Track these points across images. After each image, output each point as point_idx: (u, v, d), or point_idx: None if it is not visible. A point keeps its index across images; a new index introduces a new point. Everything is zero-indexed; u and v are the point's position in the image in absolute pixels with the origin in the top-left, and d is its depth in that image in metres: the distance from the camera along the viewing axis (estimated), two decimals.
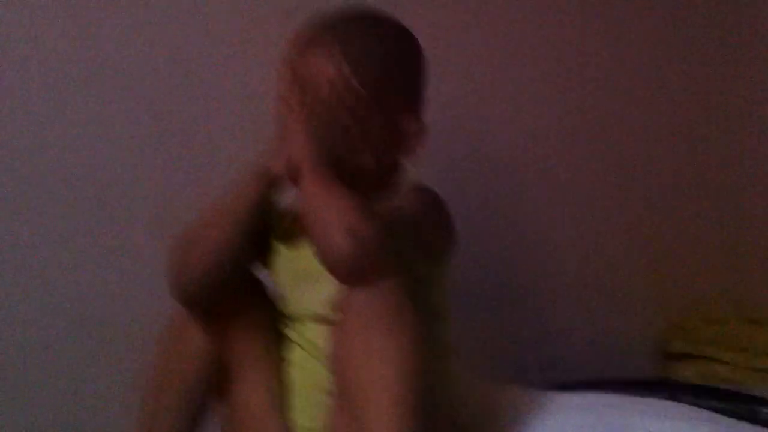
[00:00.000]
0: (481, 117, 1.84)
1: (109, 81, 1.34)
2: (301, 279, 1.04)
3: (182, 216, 1.04)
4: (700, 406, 1.22)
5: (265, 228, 1.10)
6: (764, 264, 2.47)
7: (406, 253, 0.94)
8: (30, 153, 1.28)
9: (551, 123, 1.96)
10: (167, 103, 1.38)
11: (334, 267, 0.88)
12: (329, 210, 0.90)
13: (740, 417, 1.18)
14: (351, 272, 0.87)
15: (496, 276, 1.84)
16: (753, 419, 1.20)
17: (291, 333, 1.06)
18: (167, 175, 1.37)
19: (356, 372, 0.85)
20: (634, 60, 2.13)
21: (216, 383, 1.04)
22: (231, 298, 1.03)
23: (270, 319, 1.07)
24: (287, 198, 1.13)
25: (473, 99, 1.82)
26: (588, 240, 2.03)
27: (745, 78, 2.37)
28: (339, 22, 1.05)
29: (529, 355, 1.85)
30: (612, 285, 2.08)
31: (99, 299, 1.32)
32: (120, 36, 1.35)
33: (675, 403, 1.22)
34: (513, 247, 1.89)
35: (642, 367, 2.10)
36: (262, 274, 1.10)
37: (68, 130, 1.31)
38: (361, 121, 1.01)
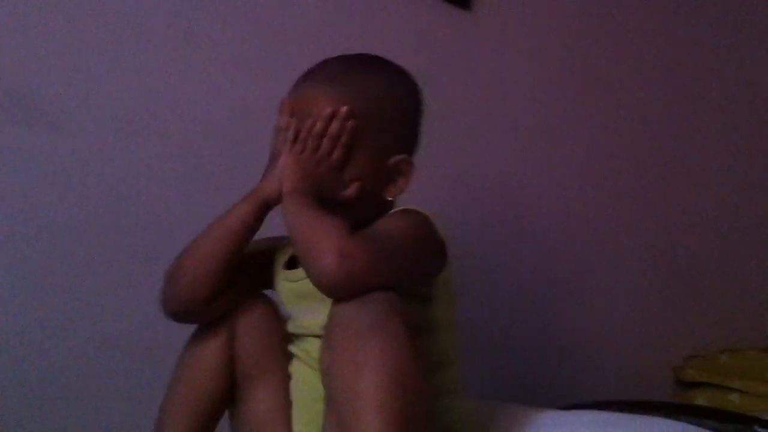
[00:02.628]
0: (508, 171, 1.89)
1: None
2: (303, 300, 1.07)
3: None
4: (699, 426, 1.24)
5: (270, 253, 1.15)
6: None
7: (395, 268, 0.94)
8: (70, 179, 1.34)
9: (576, 164, 2.02)
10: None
11: (323, 286, 0.90)
12: (314, 230, 0.92)
13: None
14: (339, 290, 0.89)
15: (521, 301, 1.87)
16: None
17: (294, 348, 1.10)
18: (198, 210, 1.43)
19: (342, 382, 0.85)
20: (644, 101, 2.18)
21: (229, 395, 1.09)
22: (245, 316, 1.09)
23: (280, 336, 1.11)
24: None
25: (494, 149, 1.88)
26: (610, 268, 2.07)
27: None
28: (339, 59, 1.09)
29: (546, 377, 1.89)
30: (632, 313, 2.11)
31: (126, 320, 1.37)
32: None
33: (673, 422, 1.23)
34: (538, 271, 1.92)
35: (658, 394, 2.13)
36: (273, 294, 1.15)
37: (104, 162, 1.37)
38: (351, 155, 1.03)
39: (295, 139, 1.04)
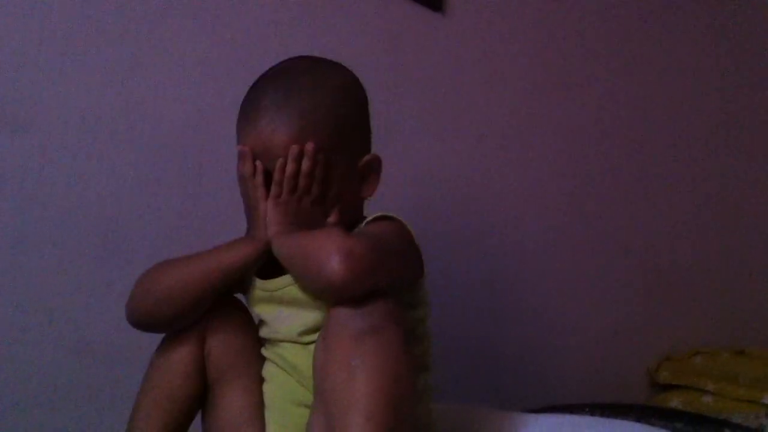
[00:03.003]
0: (488, 185, 1.90)
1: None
2: (281, 307, 1.07)
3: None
4: (668, 428, 1.25)
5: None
6: (758, 299, 2.50)
7: (392, 267, 0.95)
8: (47, 185, 1.32)
9: (548, 167, 2.02)
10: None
11: (333, 287, 0.88)
12: (312, 242, 0.93)
13: None
14: (348, 288, 0.88)
15: (493, 304, 1.88)
16: None
17: (267, 352, 1.09)
18: (169, 214, 1.43)
19: (334, 384, 0.85)
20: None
21: (201, 398, 1.08)
22: (215, 318, 1.08)
23: (252, 339, 1.11)
24: None
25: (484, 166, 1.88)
26: (584, 271, 2.08)
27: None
28: (279, 81, 1.06)
29: (519, 380, 1.89)
30: (606, 315, 2.12)
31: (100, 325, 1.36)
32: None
33: (642, 425, 1.24)
34: (510, 273, 1.93)
35: (633, 396, 2.13)
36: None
37: (82, 168, 1.36)
38: (323, 178, 1.03)
39: (267, 183, 1.03)
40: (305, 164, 1.00)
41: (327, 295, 0.91)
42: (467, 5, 1.86)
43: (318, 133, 1.01)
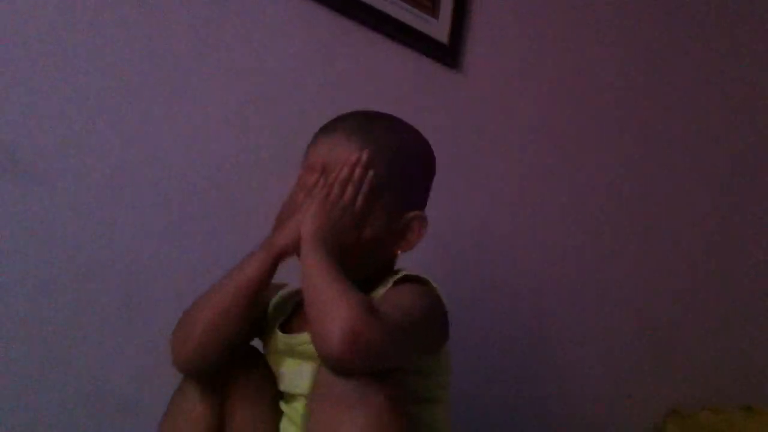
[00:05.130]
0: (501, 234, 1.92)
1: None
2: (297, 360, 1.07)
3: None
4: None
5: (265, 309, 1.15)
6: (764, 356, 2.50)
7: (407, 350, 0.92)
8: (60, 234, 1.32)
9: (558, 223, 2.04)
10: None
11: (326, 359, 0.86)
12: (331, 294, 0.88)
13: None
14: (344, 368, 0.85)
15: (500, 357, 1.87)
16: None
17: (285, 407, 1.09)
18: (192, 266, 1.43)
19: None
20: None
21: None
22: (235, 369, 1.07)
23: (269, 393, 1.09)
24: (290, 285, 1.18)
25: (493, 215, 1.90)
26: (590, 324, 2.08)
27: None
28: (356, 114, 1.11)
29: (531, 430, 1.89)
30: (616, 368, 2.12)
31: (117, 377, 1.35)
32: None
33: None
34: (516, 325, 1.93)
35: None
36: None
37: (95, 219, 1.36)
38: (369, 203, 1.04)
39: (315, 186, 1.04)
40: (357, 172, 1.03)
41: (323, 362, 0.87)
42: (483, 64, 1.89)
43: (378, 162, 1.05)
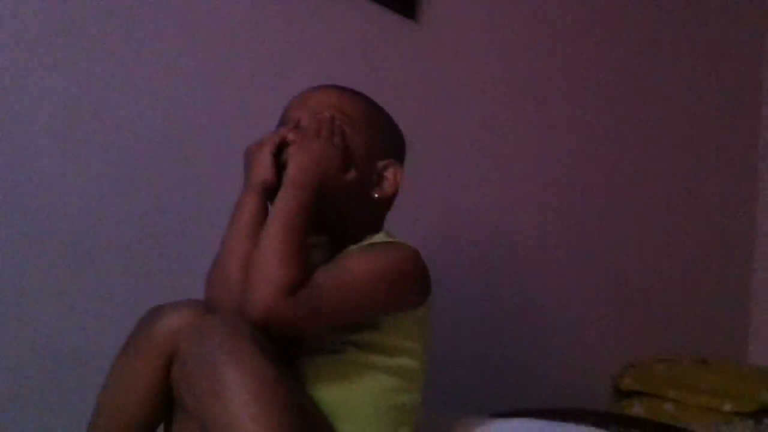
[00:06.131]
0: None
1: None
2: None
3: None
4: None
5: None
6: (722, 309, 2.55)
7: (329, 319, 1.01)
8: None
9: (518, 185, 2.04)
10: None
11: (251, 318, 0.95)
12: (269, 261, 0.98)
13: None
14: (260, 321, 0.95)
15: (462, 311, 1.88)
16: None
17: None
18: (142, 220, 1.43)
19: (205, 412, 0.90)
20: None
21: (159, 423, 1.03)
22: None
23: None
24: None
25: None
26: (553, 281, 2.09)
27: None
28: (342, 86, 1.21)
29: (485, 386, 1.90)
30: (573, 322, 2.13)
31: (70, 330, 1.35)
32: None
33: (597, 430, 1.27)
34: (480, 283, 1.95)
35: (597, 403, 2.16)
36: None
37: (57, 180, 1.35)
38: (351, 143, 1.12)
39: (305, 128, 1.12)
40: (344, 121, 1.13)
41: (244, 308, 0.98)
42: (441, 13, 1.87)
43: (351, 108, 1.15)
